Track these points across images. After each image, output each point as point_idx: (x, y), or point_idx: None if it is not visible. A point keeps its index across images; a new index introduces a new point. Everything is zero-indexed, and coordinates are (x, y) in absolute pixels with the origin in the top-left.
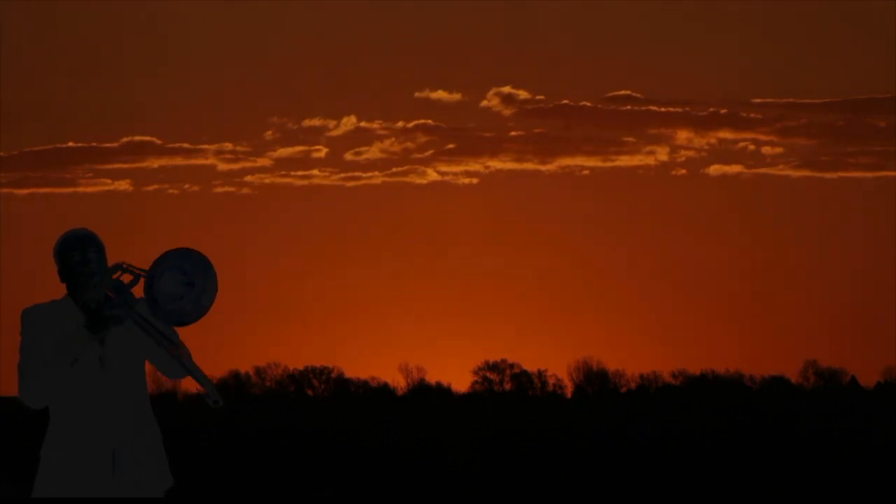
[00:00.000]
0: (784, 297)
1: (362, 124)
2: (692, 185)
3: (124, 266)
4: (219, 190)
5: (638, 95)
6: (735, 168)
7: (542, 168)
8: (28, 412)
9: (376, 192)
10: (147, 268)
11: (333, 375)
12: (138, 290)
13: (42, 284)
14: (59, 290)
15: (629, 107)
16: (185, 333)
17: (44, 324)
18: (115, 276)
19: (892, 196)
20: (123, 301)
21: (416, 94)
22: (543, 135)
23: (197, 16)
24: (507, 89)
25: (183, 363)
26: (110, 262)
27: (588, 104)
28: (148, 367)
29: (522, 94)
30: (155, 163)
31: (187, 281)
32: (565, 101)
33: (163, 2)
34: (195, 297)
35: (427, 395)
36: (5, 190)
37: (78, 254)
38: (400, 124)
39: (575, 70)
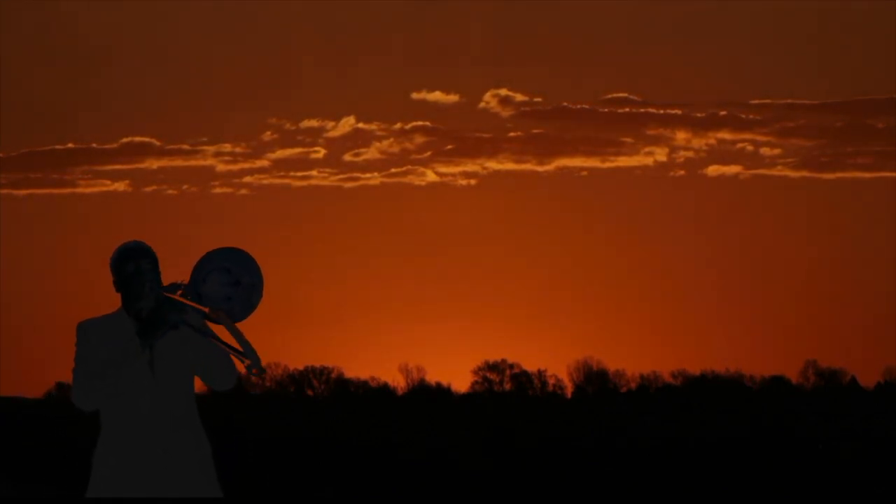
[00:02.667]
0: (784, 297)
1: (360, 125)
2: (691, 185)
3: (180, 284)
4: (217, 191)
5: (635, 98)
6: (733, 169)
7: (540, 169)
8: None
9: (375, 192)
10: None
11: (333, 375)
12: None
13: (42, 285)
14: (56, 293)
15: (627, 109)
16: None
17: (97, 336)
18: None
19: (891, 196)
20: (177, 306)
21: (414, 95)
22: (542, 136)
23: (195, 17)
24: (504, 91)
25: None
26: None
27: (585, 106)
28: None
29: (519, 97)
30: (154, 164)
31: (233, 280)
32: (563, 104)
33: (161, 3)
34: (245, 295)
35: (427, 395)
36: (5, 191)
37: (132, 264)
38: (398, 126)
39: (572, 72)
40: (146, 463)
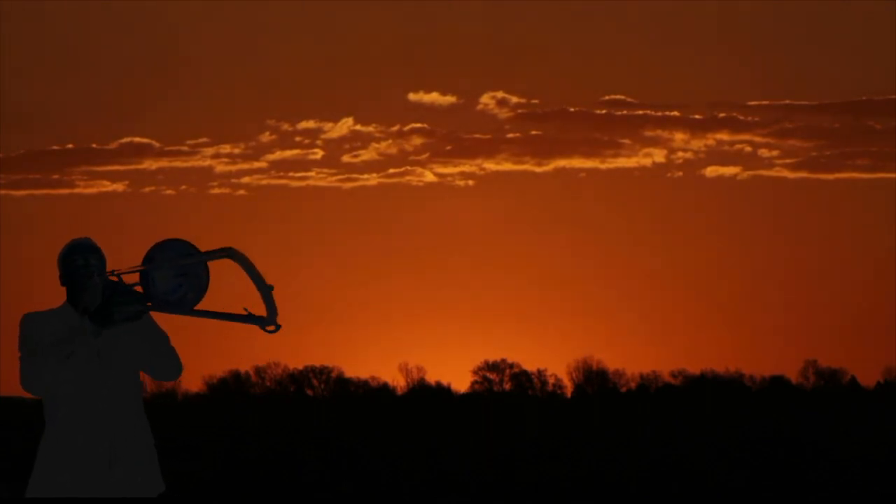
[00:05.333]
0: (784, 297)
1: (358, 127)
2: (690, 186)
3: (116, 273)
4: (216, 191)
5: (632, 100)
6: (732, 170)
7: (539, 170)
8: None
9: (373, 193)
10: (136, 280)
11: (333, 375)
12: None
13: (41, 285)
14: (58, 292)
15: (624, 111)
16: (183, 327)
17: (42, 325)
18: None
19: (890, 197)
20: (135, 297)
21: (411, 97)
22: (540, 137)
23: (194, 19)
24: (500, 94)
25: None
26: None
27: (583, 109)
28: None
29: (515, 100)
30: (152, 164)
31: (181, 272)
32: (560, 106)
33: (160, 5)
34: (193, 280)
35: (427, 395)
36: (4, 191)
37: (80, 258)
38: (396, 127)
39: (569, 75)
40: (92, 455)
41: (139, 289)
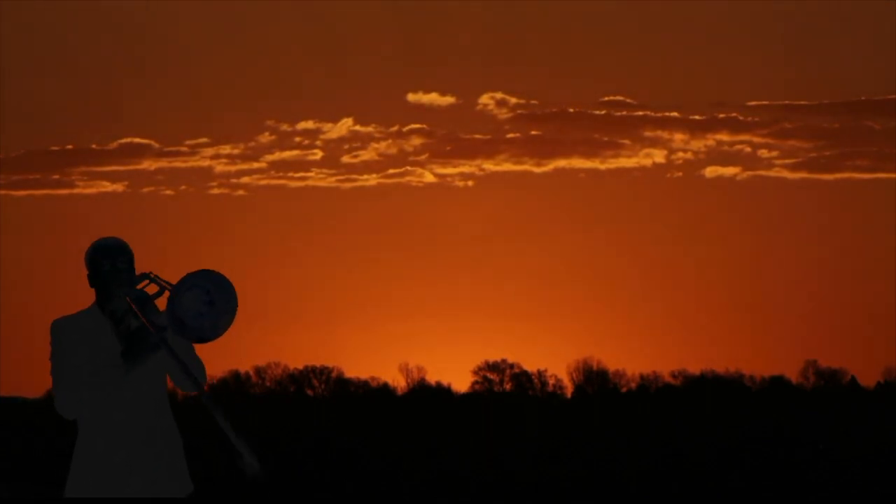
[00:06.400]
0: (784, 297)
1: (357, 127)
2: (689, 187)
3: (151, 276)
4: (215, 192)
5: (632, 101)
6: (731, 170)
7: (538, 170)
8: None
9: (372, 193)
10: (173, 282)
11: (333, 375)
12: (161, 303)
13: (41, 285)
14: (54, 293)
15: (624, 112)
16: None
17: (75, 337)
18: (140, 286)
19: (889, 197)
20: (159, 332)
21: (411, 97)
22: (539, 137)
23: (193, 19)
24: (500, 94)
25: (207, 403)
26: (138, 270)
27: (583, 109)
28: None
29: (514, 100)
30: (151, 165)
31: (209, 300)
32: (560, 107)
33: (159, 4)
34: (215, 316)
35: (427, 395)
36: (3, 191)
37: (108, 262)
38: (395, 128)
39: (568, 75)
40: (121, 459)
41: (161, 294)
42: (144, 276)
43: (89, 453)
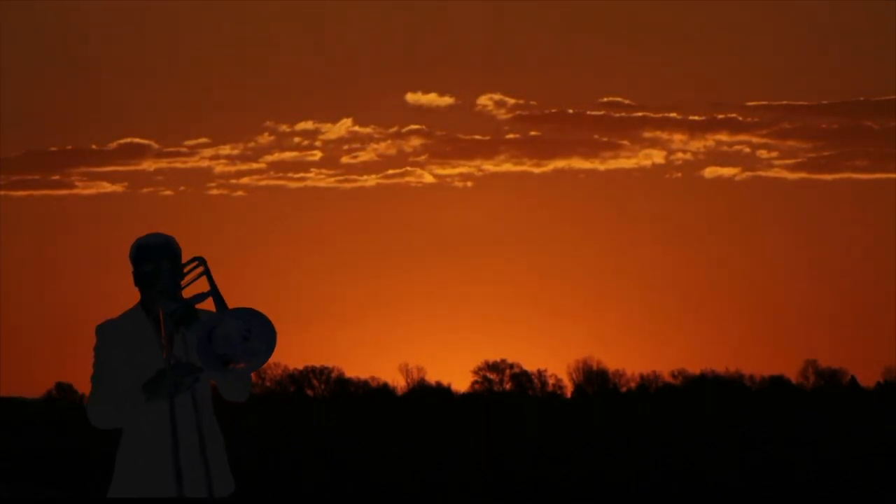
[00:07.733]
0: (784, 297)
1: (357, 128)
2: (689, 187)
3: (201, 260)
4: (214, 192)
5: (631, 102)
6: (731, 171)
7: (538, 171)
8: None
9: (372, 194)
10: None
11: (333, 375)
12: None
13: (40, 285)
14: (55, 293)
15: (623, 113)
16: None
17: (115, 345)
18: (188, 269)
19: (888, 197)
20: (190, 373)
21: (410, 98)
22: (538, 138)
23: (192, 20)
24: (498, 95)
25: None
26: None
27: (582, 110)
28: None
29: (513, 101)
30: (151, 165)
31: (246, 336)
32: (559, 108)
33: (159, 5)
34: (242, 352)
35: (427, 395)
36: (3, 192)
37: (150, 265)
38: (394, 128)
39: (568, 76)
40: (165, 462)
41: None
42: (195, 259)
43: (134, 454)
